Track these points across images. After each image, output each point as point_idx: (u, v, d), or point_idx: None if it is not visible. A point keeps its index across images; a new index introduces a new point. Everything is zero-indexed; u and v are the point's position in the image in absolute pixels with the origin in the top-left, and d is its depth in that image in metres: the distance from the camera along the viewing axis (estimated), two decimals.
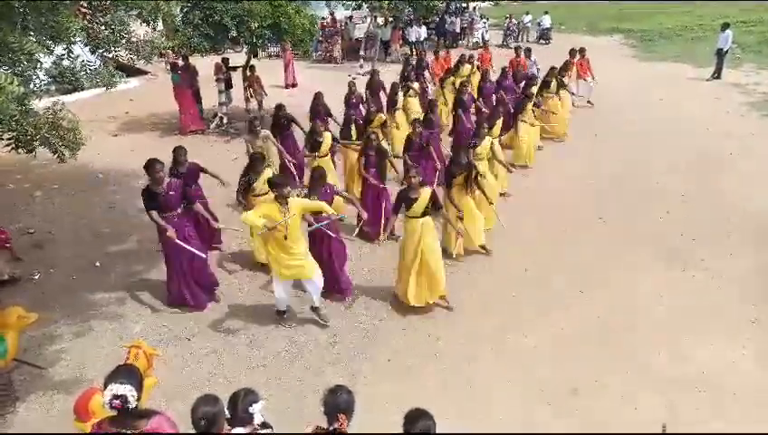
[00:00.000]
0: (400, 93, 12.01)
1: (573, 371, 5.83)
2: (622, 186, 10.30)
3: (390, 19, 23.53)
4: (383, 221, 8.04)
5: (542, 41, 25.59)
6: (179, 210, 6.65)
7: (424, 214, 6.55)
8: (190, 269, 6.80)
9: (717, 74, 17.97)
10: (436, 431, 3.24)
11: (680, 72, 19.17)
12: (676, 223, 8.86)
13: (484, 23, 26.35)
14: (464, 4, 27.05)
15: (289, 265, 6.19)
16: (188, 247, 6.56)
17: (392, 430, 3.39)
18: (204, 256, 6.84)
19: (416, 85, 12.86)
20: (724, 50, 17.74)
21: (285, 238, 5.99)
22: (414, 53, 22.47)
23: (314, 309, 6.63)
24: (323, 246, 6.87)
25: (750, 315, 6.64)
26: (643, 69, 19.93)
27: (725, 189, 9.99)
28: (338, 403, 3.33)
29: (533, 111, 11.35)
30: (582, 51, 14.78)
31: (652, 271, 7.62)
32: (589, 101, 15.10)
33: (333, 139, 9.17)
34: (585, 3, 33.32)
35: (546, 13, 26.13)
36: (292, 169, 9.47)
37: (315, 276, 6.34)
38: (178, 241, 6.46)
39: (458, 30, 25.89)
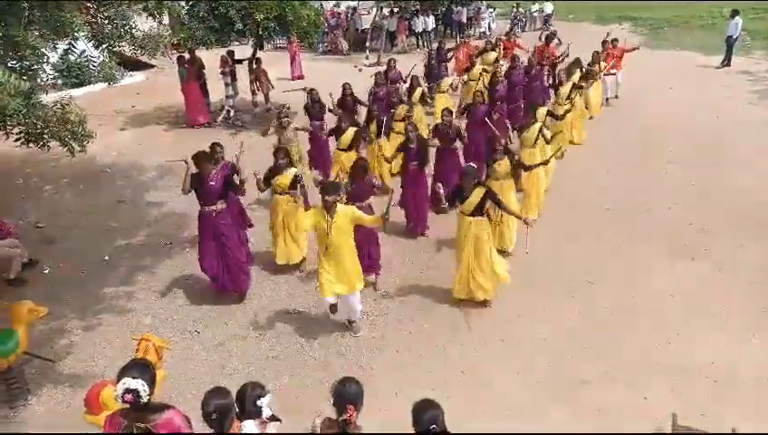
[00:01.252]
0: (419, 90, 11.30)
1: (583, 362, 5.82)
2: (630, 175, 10.24)
3: (396, 10, 23.43)
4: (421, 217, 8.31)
5: (543, 27, 25.53)
6: (220, 206, 6.59)
7: (474, 214, 6.38)
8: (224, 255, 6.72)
9: (727, 62, 17.80)
10: (444, 422, 3.24)
11: (689, 60, 19.02)
12: (685, 212, 8.80)
13: (491, 12, 26.20)
14: None
15: (333, 277, 5.89)
16: None
17: (401, 421, 3.40)
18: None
19: (447, 81, 12.54)
20: (734, 37, 17.56)
21: (327, 249, 5.76)
22: (420, 44, 22.38)
23: (350, 322, 6.41)
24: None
25: (760, 305, 6.59)
26: (652, 57, 19.73)
27: (735, 179, 9.89)
28: (347, 394, 3.34)
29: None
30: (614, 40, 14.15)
31: (661, 261, 7.58)
32: (612, 98, 14.49)
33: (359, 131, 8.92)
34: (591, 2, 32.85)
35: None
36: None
37: (356, 293, 6.10)
38: None
39: (465, 20, 25.75)
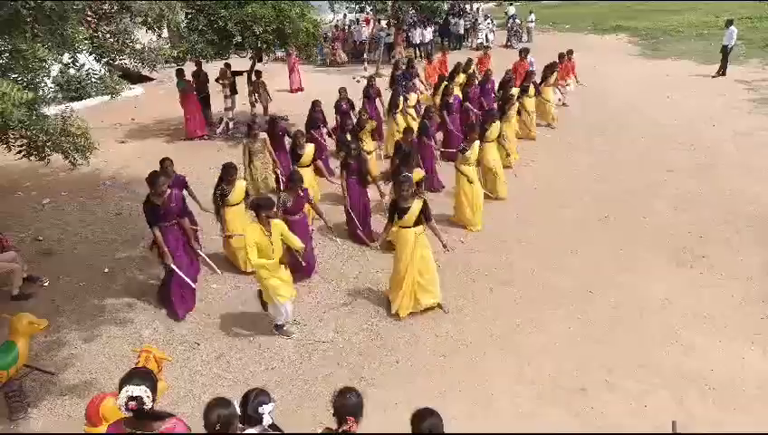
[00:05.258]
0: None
1: (582, 370, 5.82)
2: (628, 183, 10.28)
3: (394, 21, 23.58)
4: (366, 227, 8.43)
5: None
6: (174, 221, 6.83)
7: (417, 224, 6.47)
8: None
9: (723, 71, 17.91)
10: (444, 431, 3.25)
11: (686, 70, 19.14)
12: (684, 221, 8.83)
13: (489, 23, 26.33)
14: (467, 6, 27.07)
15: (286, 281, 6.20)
16: (183, 276, 6.72)
17: (400, 429, 3.40)
18: (193, 286, 7.03)
19: (412, 96, 12.48)
20: (729, 46, 17.68)
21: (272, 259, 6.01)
22: (418, 56, 22.50)
23: (278, 327, 6.55)
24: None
25: (758, 313, 6.61)
26: (649, 67, 19.89)
27: (733, 186, 9.95)
28: (347, 406, 3.34)
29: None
30: (570, 53, 15.13)
31: (660, 269, 7.60)
32: (564, 103, 15.14)
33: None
34: (587, 3, 33.20)
35: (511, 4, 26.54)
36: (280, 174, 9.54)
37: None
38: (176, 269, 6.65)
39: (462, 31, 25.89)
